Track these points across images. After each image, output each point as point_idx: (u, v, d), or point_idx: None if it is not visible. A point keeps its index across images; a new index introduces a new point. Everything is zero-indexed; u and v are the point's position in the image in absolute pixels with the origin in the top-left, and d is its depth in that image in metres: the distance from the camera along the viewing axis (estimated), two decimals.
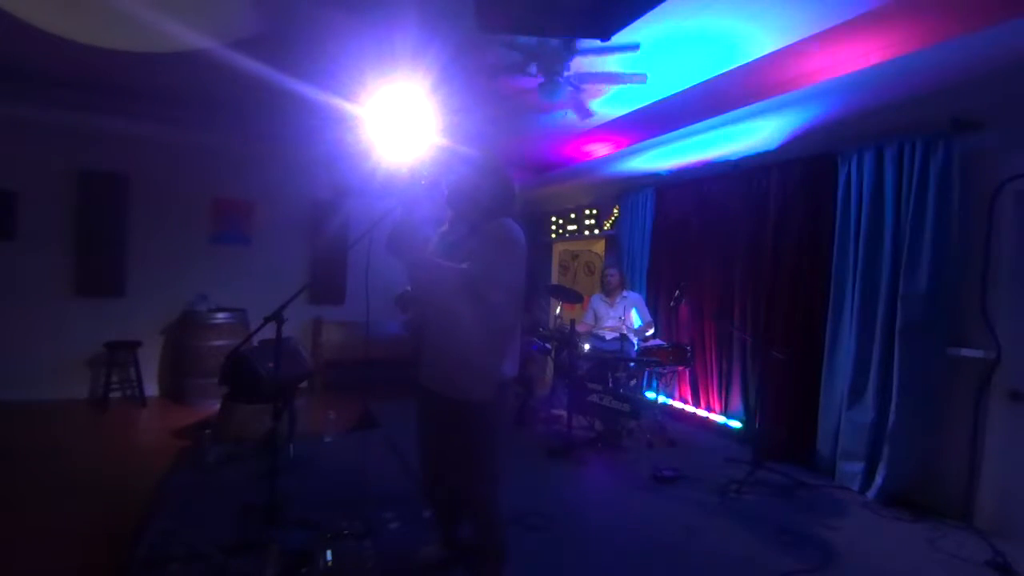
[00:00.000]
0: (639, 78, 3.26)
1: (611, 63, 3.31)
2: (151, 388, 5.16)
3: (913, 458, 3.15)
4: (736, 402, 4.46)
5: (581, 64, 3.29)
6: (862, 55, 2.75)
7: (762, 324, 4.16)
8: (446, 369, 1.95)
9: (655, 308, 5.21)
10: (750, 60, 3.19)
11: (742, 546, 2.63)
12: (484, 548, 2.05)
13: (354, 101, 3.78)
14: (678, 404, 5.02)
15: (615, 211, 6.01)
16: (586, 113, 3.88)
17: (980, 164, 3.01)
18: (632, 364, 4.29)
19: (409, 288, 2.31)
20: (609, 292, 4.80)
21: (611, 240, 6.17)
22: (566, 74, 3.36)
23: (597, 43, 2.96)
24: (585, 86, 3.43)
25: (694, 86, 3.64)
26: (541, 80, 3.45)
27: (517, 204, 2.16)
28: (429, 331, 2.02)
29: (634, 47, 3.03)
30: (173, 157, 5.21)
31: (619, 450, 4.00)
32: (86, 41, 3.16)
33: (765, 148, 4.10)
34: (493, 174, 2.05)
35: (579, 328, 4.55)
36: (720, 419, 4.59)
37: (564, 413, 4.18)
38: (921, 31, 2.47)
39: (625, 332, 4.51)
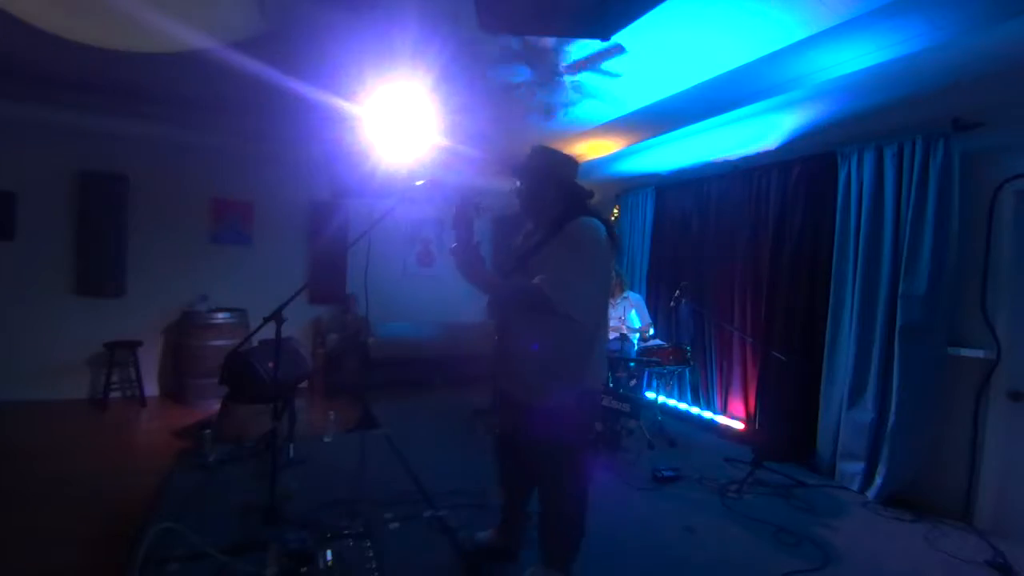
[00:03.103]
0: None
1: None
2: (151, 388, 5.16)
3: (913, 458, 3.15)
4: (736, 402, 4.46)
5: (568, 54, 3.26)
6: (862, 55, 2.75)
7: (762, 324, 4.16)
8: (522, 376, 1.95)
9: (655, 308, 5.21)
10: (750, 60, 3.18)
11: (742, 546, 2.63)
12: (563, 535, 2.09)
13: (354, 101, 3.78)
14: (678, 404, 5.01)
15: (615, 211, 6.01)
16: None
17: (980, 164, 3.01)
18: (632, 364, 4.29)
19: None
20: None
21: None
22: (563, 71, 3.34)
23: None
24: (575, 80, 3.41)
25: (694, 86, 3.63)
26: (542, 80, 3.45)
27: (589, 195, 2.09)
28: (506, 337, 2.03)
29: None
30: (173, 157, 5.21)
31: (619, 450, 3.99)
32: (86, 41, 3.15)
33: (765, 148, 4.10)
34: (546, 173, 2.03)
35: None
36: (720, 419, 4.59)
37: None
38: (921, 31, 2.47)
39: (625, 332, 4.51)
